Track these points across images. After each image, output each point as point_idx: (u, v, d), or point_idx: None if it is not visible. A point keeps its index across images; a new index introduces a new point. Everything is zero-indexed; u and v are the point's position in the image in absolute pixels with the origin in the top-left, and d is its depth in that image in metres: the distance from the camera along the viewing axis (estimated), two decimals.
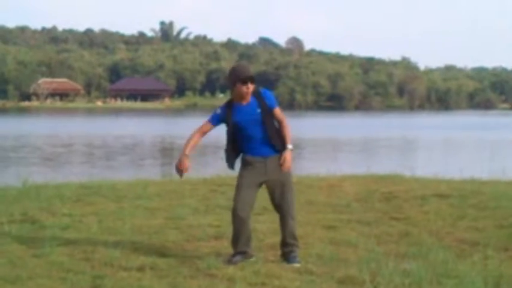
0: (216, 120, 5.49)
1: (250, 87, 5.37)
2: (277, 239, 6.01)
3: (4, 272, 5.08)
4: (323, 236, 6.40)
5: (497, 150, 30.57)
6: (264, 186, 5.55)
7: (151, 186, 9.84)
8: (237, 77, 5.34)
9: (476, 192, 9.01)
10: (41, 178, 11.86)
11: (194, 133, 5.51)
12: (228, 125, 5.48)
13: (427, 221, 7.18)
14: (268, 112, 5.44)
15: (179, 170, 5.38)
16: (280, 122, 5.49)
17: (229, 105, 5.48)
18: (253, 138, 5.43)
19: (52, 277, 5.00)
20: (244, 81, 5.33)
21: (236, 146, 5.51)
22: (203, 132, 5.52)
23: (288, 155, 5.40)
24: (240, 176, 5.48)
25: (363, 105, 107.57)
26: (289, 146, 5.42)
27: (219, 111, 5.49)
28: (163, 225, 6.95)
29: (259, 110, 5.41)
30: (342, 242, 6.21)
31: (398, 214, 7.67)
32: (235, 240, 5.47)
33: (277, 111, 5.50)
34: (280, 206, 5.49)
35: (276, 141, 5.43)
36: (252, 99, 5.42)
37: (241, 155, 5.55)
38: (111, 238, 6.28)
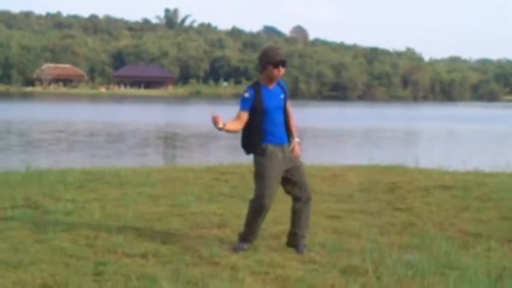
0: (248, 105, 5.35)
1: (282, 70, 5.33)
2: (280, 228, 6.02)
3: (7, 257, 5.09)
4: (326, 226, 6.39)
5: (501, 142, 30.54)
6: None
7: (154, 173, 9.83)
8: (269, 60, 5.29)
9: (479, 183, 9.00)
10: (44, 163, 11.86)
11: (236, 120, 5.34)
12: (254, 108, 5.34)
13: (430, 212, 7.17)
14: (286, 100, 5.45)
15: (215, 122, 5.16)
16: (288, 114, 5.49)
17: (256, 87, 5.40)
18: (275, 123, 5.37)
19: (55, 262, 5.00)
20: (276, 65, 5.29)
21: (261, 130, 5.37)
22: (243, 122, 5.38)
23: (296, 145, 5.45)
24: (264, 167, 5.32)
25: (366, 96, 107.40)
26: (297, 139, 5.46)
27: (247, 95, 5.35)
28: (166, 212, 6.95)
29: (282, 96, 5.41)
30: (345, 231, 6.21)
31: (402, 205, 7.66)
32: (253, 229, 5.43)
33: (289, 102, 5.52)
34: (299, 194, 5.45)
35: (289, 130, 5.47)
36: (276, 84, 5.42)
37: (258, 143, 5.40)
38: (114, 224, 6.28)
